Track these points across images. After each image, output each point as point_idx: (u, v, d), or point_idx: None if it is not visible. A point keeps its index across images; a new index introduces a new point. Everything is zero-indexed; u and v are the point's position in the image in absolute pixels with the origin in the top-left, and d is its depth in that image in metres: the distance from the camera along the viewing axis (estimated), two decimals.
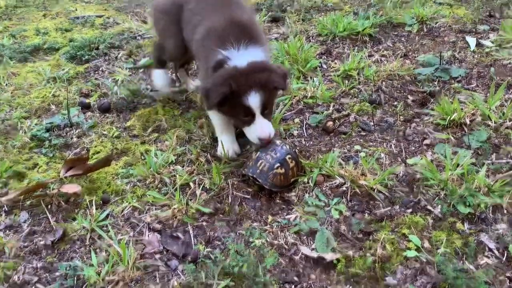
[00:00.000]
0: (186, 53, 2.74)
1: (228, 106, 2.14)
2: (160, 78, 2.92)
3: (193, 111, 2.85)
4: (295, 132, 2.62)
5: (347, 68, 3.13)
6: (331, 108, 2.80)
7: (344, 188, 2.18)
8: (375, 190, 2.16)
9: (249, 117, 2.16)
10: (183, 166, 2.40)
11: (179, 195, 2.17)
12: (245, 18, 2.32)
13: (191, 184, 2.27)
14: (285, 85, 2.20)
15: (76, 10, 4.68)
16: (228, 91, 2.09)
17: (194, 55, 2.54)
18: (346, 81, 3.04)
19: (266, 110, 2.19)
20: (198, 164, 2.40)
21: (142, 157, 2.49)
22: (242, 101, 2.11)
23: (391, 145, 2.49)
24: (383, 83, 3.02)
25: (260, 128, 2.19)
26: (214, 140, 2.57)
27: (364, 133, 2.59)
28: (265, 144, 2.20)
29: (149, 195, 2.21)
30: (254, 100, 2.12)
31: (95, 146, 2.58)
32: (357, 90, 2.96)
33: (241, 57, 2.15)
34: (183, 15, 2.54)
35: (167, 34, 2.73)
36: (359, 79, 3.06)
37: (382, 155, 2.40)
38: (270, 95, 2.17)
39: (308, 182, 2.24)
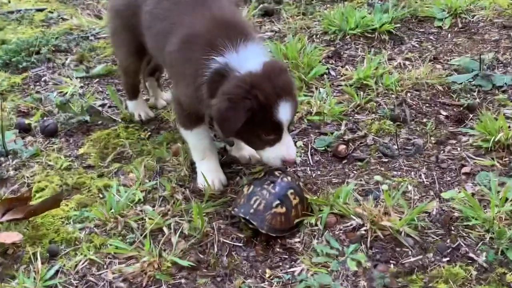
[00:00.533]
0: (140, 64, 2.86)
1: (249, 125, 2.17)
2: (138, 110, 3.02)
3: (165, 133, 2.91)
4: (298, 159, 2.68)
5: (361, 75, 3.23)
6: (342, 127, 2.87)
7: (363, 232, 2.24)
8: (402, 234, 2.22)
9: (275, 135, 2.22)
10: (154, 206, 2.44)
11: (150, 244, 2.20)
12: (228, 15, 2.38)
13: (165, 229, 2.31)
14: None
15: (10, 2, 4.74)
16: (255, 104, 2.13)
17: (168, 70, 2.61)
18: (361, 93, 3.13)
19: (291, 125, 2.29)
20: (174, 202, 2.44)
21: (100, 195, 2.52)
22: (270, 115, 2.16)
23: (420, 175, 2.56)
24: (408, 94, 3.12)
25: (287, 148, 2.24)
26: (194, 170, 2.62)
27: (386, 160, 2.67)
28: (289, 165, 2.29)
29: (111, 244, 2.24)
30: (284, 112, 2.17)
31: (39, 182, 2.61)
32: (375, 103, 3.05)
33: (245, 60, 2.19)
34: (140, 19, 2.58)
35: (118, 41, 2.83)
36: (377, 89, 3.15)
37: (410, 187, 2.47)
38: (297, 104, 2.27)
39: (316, 225, 2.29)
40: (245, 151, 2.61)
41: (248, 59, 2.19)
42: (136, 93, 3.02)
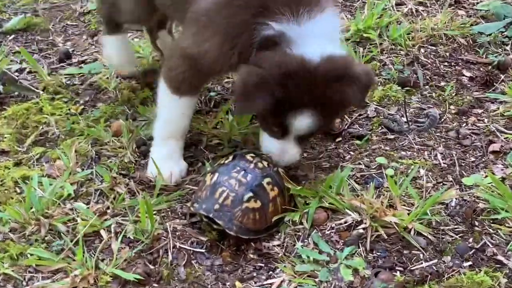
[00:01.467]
0: (154, 11, 2.77)
1: (271, 114, 2.26)
2: (114, 50, 2.99)
3: (103, 107, 2.90)
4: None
5: (361, 26, 3.23)
6: None
7: (361, 230, 2.25)
8: (412, 232, 2.24)
9: (282, 132, 2.33)
10: (88, 203, 2.43)
11: (83, 252, 2.19)
12: None
13: (103, 232, 2.30)
14: (363, 100, 2.39)
15: None
16: (282, 96, 2.18)
17: (186, 33, 2.50)
18: (361, 49, 3.13)
19: (310, 137, 2.44)
20: (114, 198, 2.44)
21: (17, 190, 2.51)
22: (283, 116, 2.26)
23: (436, 155, 2.59)
24: (422, 50, 3.13)
25: (278, 152, 2.37)
26: (142, 154, 2.63)
27: (391, 136, 2.69)
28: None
29: (31, 254, 2.23)
30: (299, 124, 2.26)
31: None
32: (378, 63, 3.06)
33: (306, 36, 2.21)
34: None
35: None
36: (381, 44, 3.16)
37: (422, 172, 2.49)
38: (328, 121, 2.38)
39: (301, 223, 2.30)
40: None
41: (310, 37, 2.21)
42: (120, 24, 2.95)
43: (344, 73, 2.22)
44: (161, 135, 2.54)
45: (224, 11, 2.29)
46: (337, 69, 2.22)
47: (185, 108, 2.49)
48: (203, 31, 2.34)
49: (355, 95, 2.23)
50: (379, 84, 2.93)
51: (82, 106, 2.93)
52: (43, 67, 3.15)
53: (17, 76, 3.13)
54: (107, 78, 3.07)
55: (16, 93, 3.02)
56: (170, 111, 2.50)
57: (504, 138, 2.63)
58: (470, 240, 2.24)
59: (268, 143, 2.39)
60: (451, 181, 2.47)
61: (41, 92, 3.01)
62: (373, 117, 2.78)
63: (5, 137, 2.76)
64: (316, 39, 2.22)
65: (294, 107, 2.23)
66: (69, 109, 2.91)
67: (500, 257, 2.18)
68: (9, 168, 2.60)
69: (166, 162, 2.50)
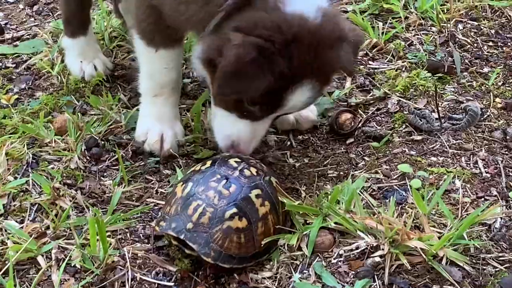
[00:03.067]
0: None
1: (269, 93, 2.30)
2: (79, 57, 3.02)
3: (43, 96, 2.91)
4: (272, 138, 2.72)
5: None
6: (347, 83, 2.92)
7: (378, 259, 2.25)
8: (444, 261, 2.24)
9: (259, 111, 2.38)
10: (22, 221, 2.43)
11: (14, 285, 2.18)
12: None
13: (41, 260, 2.29)
14: (352, 65, 2.43)
15: None
16: (285, 67, 2.23)
17: None
18: (380, 24, 3.16)
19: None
20: (57, 215, 2.44)
21: None
22: (279, 92, 2.29)
23: (476, 162, 2.60)
24: (459, 26, 3.15)
25: (248, 139, 2.42)
26: (93, 158, 2.64)
27: (419, 137, 2.70)
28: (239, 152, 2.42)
29: None
30: (298, 99, 2.33)
31: None
32: (403, 42, 3.08)
33: None
34: None
35: None
36: (407, 18, 3.18)
37: (458, 183, 2.50)
38: (321, 92, 2.45)
39: (299, 248, 2.31)
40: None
41: None
42: (86, 22, 3.03)
43: (339, 33, 2.32)
44: (147, 92, 2.65)
45: None
46: (335, 28, 2.31)
47: (166, 61, 2.57)
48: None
49: (348, 57, 2.33)
50: (404, 69, 2.94)
51: (16, 96, 2.94)
52: None
53: None
54: (50, 59, 3.07)
55: None
56: (150, 65, 2.61)
57: None
58: None
59: (233, 127, 2.40)
60: (495, 195, 2.48)
61: None
62: (395, 113, 2.79)
63: None
64: (303, 2, 2.29)
65: (295, 80, 2.27)
66: None
67: None
68: None
69: (155, 124, 2.60)
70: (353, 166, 2.61)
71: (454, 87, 2.89)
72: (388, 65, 2.99)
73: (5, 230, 2.39)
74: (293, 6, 2.25)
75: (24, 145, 2.70)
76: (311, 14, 2.26)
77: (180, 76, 2.70)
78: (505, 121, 2.75)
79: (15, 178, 2.58)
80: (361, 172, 2.57)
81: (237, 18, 2.26)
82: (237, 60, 2.21)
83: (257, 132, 2.42)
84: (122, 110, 2.81)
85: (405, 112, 2.78)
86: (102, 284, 2.25)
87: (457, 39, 3.08)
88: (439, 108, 2.77)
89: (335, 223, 2.34)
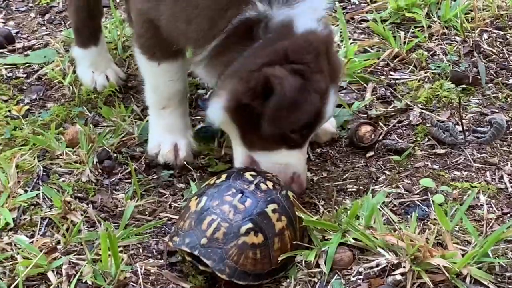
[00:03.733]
0: None
1: None
2: (90, 67, 3.03)
3: (55, 107, 2.92)
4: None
5: (402, 3, 3.27)
6: (368, 94, 2.92)
7: (399, 277, 2.25)
8: (467, 279, 2.23)
9: (301, 136, 2.43)
10: (32, 236, 2.44)
11: None
12: None
13: (51, 276, 2.30)
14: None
15: None
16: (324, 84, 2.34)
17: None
18: (402, 33, 3.16)
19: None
20: (67, 229, 2.44)
21: None
22: (321, 104, 2.38)
23: (501, 176, 2.59)
24: (484, 36, 3.15)
25: (302, 167, 2.48)
26: (105, 171, 2.65)
27: (442, 151, 2.70)
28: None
29: None
30: (331, 106, 2.43)
31: None
32: (425, 52, 3.08)
33: (298, 16, 2.34)
34: None
35: None
36: (430, 28, 3.18)
37: (482, 199, 2.50)
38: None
39: (317, 265, 2.30)
40: None
41: (300, 15, 2.35)
42: (97, 33, 3.05)
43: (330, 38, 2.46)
44: (154, 105, 2.67)
45: None
46: (331, 32, 2.48)
47: (170, 74, 2.59)
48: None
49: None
50: (426, 80, 2.94)
51: (27, 107, 2.96)
52: None
53: None
54: (62, 69, 3.08)
55: None
56: (155, 79, 2.63)
57: None
58: None
59: (286, 161, 2.44)
60: None
61: None
62: (417, 125, 2.79)
63: None
64: (306, 18, 2.36)
65: (328, 91, 2.37)
66: (9, 111, 2.94)
67: None
68: None
69: (167, 135, 2.63)
70: (373, 181, 2.61)
71: (478, 99, 2.89)
72: (410, 76, 2.99)
73: (15, 245, 2.40)
74: (302, 26, 2.33)
75: (34, 157, 2.71)
76: (317, 27, 2.36)
77: (187, 86, 2.71)
78: None
79: (25, 191, 2.59)
80: (381, 186, 2.57)
81: (259, 54, 2.30)
82: (289, 90, 2.25)
83: (304, 157, 2.49)
84: (135, 121, 2.82)
85: (427, 125, 2.78)
86: None
87: (482, 49, 3.09)
88: (463, 121, 2.77)
89: (355, 239, 2.33)
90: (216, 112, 2.38)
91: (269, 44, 2.29)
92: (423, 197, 2.52)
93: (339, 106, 2.83)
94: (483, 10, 3.24)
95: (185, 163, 2.65)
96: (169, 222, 2.49)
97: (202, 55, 2.39)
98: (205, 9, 2.31)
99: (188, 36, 2.41)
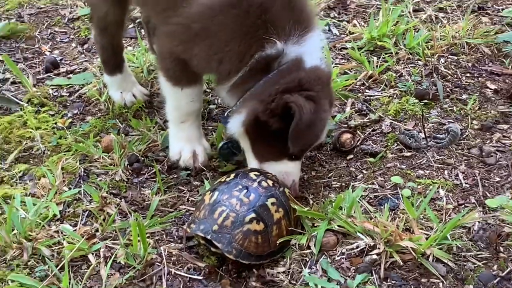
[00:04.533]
0: (125, 10, 2.88)
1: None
2: (119, 89, 3.02)
3: (93, 120, 2.92)
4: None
5: (375, 34, 3.26)
6: (348, 108, 2.91)
7: (375, 256, 2.25)
8: (430, 258, 2.23)
9: (302, 152, 2.51)
10: (75, 225, 2.44)
11: (69, 279, 2.20)
12: None
13: (91, 257, 2.31)
14: None
15: None
16: (328, 105, 2.44)
17: (171, 33, 2.55)
18: (375, 59, 3.16)
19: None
20: (104, 219, 2.44)
21: None
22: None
23: (457, 175, 2.59)
24: (442, 60, 3.14)
25: (298, 173, 2.51)
26: (134, 172, 2.65)
27: (408, 154, 2.69)
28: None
29: (13, 280, 2.23)
30: (328, 127, 2.57)
31: None
32: (394, 74, 3.08)
33: (304, 54, 2.39)
34: None
35: None
36: (397, 54, 3.18)
37: (442, 192, 2.49)
38: None
39: (308, 247, 2.30)
40: None
41: (308, 55, 2.40)
42: (121, 63, 3.03)
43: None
44: (174, 120, 2.66)
45: (220, 18, 2.36)
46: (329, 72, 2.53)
47: (191, 96, 2.58)
48: (194, 38, 2.41)
49: None
50: (395, 97, 2.95)
51: (70, 120, 2.95)
52: (28, 77, 3.17)
53: (0, 87, 3.14)
54: (98, 89, 3.08)
55: None
56: (177, 100, 2.61)
57: None
58: (495, 267, 2.24)
59: (291, 170, 2.47)
60: (473, 202, 2.47)
61: (26, 105, 3.03)
62: (388, 133, 2.78)
63: None
64: (311, 52, 2.42)
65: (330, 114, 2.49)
66: (55, 123, 2.93)
67: None
68: None
69: (186, 144, 2.63)
70: (353, 178, 2.60)
71: (437, 111, 2.88)
72: (381, 93, 2.99)
73: (61, 232, 2.40)
74: (310, 62, 2.39)
75: (76, 161, 2.70)
76: (321, 63, 2.43)
77: (202, 103, 2.70)
78: (481, 140, 2.74)
79: (69, 188, 2.59)
80: (359, 183, 2.56)
81: (276, 82, 2.34)
82: (307, 114, 2.27)
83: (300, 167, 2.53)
84: (159, 131, 2.82)
85: (396, 133, 2.78)
86: (143, 278, 2.25)
87: (440, 71, 3.08)
88: (425, 129, 2.77)
89: (338, 226, 2.34)
90: (235, 125, 2.41)
91: (283, 75, 2.34)
92: (394, 191, 2.51)
93: None
94: (440, 39, 3.24)
95: (201, 166, 2.65)
96: (187, 213, 2.49)
97: (227, 85, 2.42)
98: (235, 50, 2.33)
99: (218, 72, 2.42)
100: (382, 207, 2.42)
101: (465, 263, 2.25)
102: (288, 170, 2.45)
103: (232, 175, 2.38)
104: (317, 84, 2.34)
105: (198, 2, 2.37)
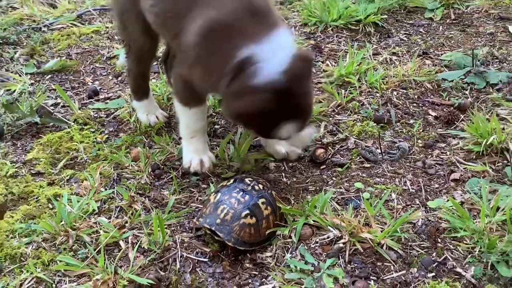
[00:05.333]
0: (156, 44, 2.87)
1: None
2: (145, 112, 3.01)
3: (124, 136, 2.92)
4: (272, 165, 2.72)
5: (343, 72, 3.27)
6: (321, 129, 2.92)
7: (341, 245, 2.26)
8: (384, 247, 2.25)
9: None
10: (109, 218, 2.44)
11: (104, 259, 2.21)
12: (261, 1, 2.34)
13: (122, 243, 2.31)
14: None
15: None
16: (268, 109, 2.20)
17: (177, 50, 2.57)
18: (343, 91, 3.17)
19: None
20: (132, 214, 2.45)
21: (50, 206, 2.52)
22: (275, 124, 2.28)
23: (405, 182, 2.60)
24: (394, 93, 3.16)
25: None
26: (156, 177, 2.65)
27: (368, 165, 2.70)
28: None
29: (60, 261, 2.24)
30: (286, 131, 2.29)
31: None
32: (358, 103, 3.09)
33: (273, 53, 2.20)
34: None
35: (128, 18, 2.76)
36: (360, 87, 3.20)
37: (393, 195, 2.50)
38: (307, 117, 2.36)
39: (290, 237, 2.31)
40: (281, 146, 2.71)
41: (275, 52, 2.21)
42: (147, 90, 3.01)
43: (305, 67, 2.29)
44: (185, 136, 2.65)
45: (207, 44, 2.30)
46: (300, 71, 2.25)
47: (197, 115, 2.58)
48: (191, 63, 2.38)
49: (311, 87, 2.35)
50: (358, 121, 2.96)
51: (107, 136, 2.95)
52: (74, 102, 3.19)
53: (52, 110, 3.16)
54: (128, 112, 3.09)
55: (51, 124, 3.04)
56: (187, 118, 2.60)
57: (463, 168, 2.65)
58: (434, 254, 2.25)
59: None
60: (418, 204, 2.48)
61: (72, 124, 3.03)
62: (353, 149, 2.79)
63: (41, 161, 2.78)
64: (280, 50, 2.23)
65: (280, 122, 2.28)
66: (95, 138, 2.93)
67: (459, 269, 2.18)
68: (43, 187, 2.62)
69: (195, 155, 2.63)
70: (325, 184, 2.60)
71: (391, 133, 2.90)
72: (348, 118, 2.99)
73: (99, 224, 2.40)
74: (270, 64, 2.19)
75: (111, 168, 2.71)
76: (283, 63, 2.21)
77: (206, 124, 2.69)
78: (424, 155, 2.75)
79: (105, 189, 2.60)
80: (330, 187, 2.57)
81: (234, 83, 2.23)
82: (239, 109, 2.23)
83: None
84: (175, 145, 2.82)
85: (359, 148, 2.78)
86: (161, 260, 2.26)
87: (393, 101, 3.10)
88: (381, 146, 2.78)
89: (313, 221, 2.35)
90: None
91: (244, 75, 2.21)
92: (356, 194, 2.52)
93: None
94: (393, 77, 3.26)
95: (207, 172, 2.65)
96: (197, 209, 2.48)
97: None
98: (221, 67, 2.23)
99: (212, 85, 2.34)
100: (347, 206, 2.43)
101: (411, 251, 2.26)
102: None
103: (232, 180, 2.38)
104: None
105: (188, 31, 2.32)
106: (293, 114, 2.25)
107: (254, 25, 2.25)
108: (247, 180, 2.36)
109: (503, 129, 2.78)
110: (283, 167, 2.70)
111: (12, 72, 3.51)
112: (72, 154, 2.82)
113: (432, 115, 3.01)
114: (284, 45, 2.27)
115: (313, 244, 2.29)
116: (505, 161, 2.65)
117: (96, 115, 3.13)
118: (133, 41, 2.84)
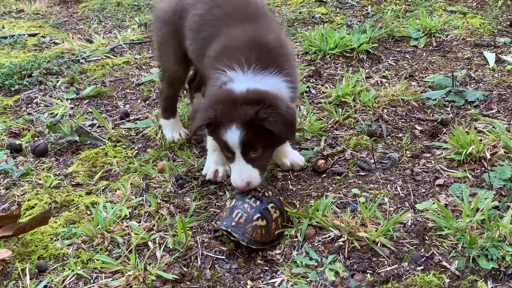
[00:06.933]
0: (187, 72, 2.93)
1: (214, 134, 2.30)
2: (170, 130, 3.01)
3: (151, 151, 2.93)
4: (279, 174, 2.71)
5: (340, 93, 3.27)
6: (322, 143, 2.91)
7: (341, 243, 2.25)
8: (378, 244, 2.24)
9: (230, 154, 2.32)
10: (139, 222, 2.45)
11: (135, 258, 2.21)
12: (270, 37, 2.39)
13: (150, 244, 2.32)
14: (288, 133, 2.24)
15: (3, 27, 4.77)
16: (213, 116, 2.23)
17: (205, 73, 2.64)
18: (340, 110, 3.17)
19: (253, 153, 2.29)
20: (159, 218, 2.45)
21: (88, 212, 2.53)
22: (221, 133, 2.26)
23: (396, 187, 2.59)
24: (385, 110, 3.15)
25: (235, 173, 2.32)
26: (179, 186, 2.65)
27: (363, 173, 2.69)
28: (241, 191, 2.33)
29: (97, 259, 2.25)
30: (232, 136, 2.24)
31: (29, 200, 2.62)
32: (353, 120, 3.09)
33: (245, 82, 2.26)
34: (186, 21, 2.62)
35: (166, 49, 2.81)
36: (355, 106, 3.19)
37: (386, 199, 2.49)
38: (258, 136, 2.24)
39: (296, 236, 2.31)
40: (287, 159, 2.70)
41: (247, 83, 2.26)
42: (175, 111, 3.03)
43: (260, 99, 2.21)
44: (209, 148, 2.62)
45: (216, 60, 2.39)
46: (255, 96, 2.23)
47: None
48: (209, 77, 2.46)
49: (270, 118, 2.18)
50: (354, 135, 2.96)
51: (136, 151, 2.96)
52: (108, 123, 3.21)
53: (90, 130, 3.18)
54: (155, 131, 3.11)
55: (89, 142, 3.06)
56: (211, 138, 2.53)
57: (446, 175, 2.63)
58: (422, 250, 2.24)
59: (231, 175, 2.36)
60: (407, 206, 2.47)
61: (107, 141, 3.05)
62: (349, 159, 2.78)
63: (80, 174, 2.79)
64: (253, 83, 2.26)
65: (224, 125, 2.23)
66: (127, 153, 2.94)
67: (444, 263, 2.17)
68: (82, 196, 2.63)
69: (212, 165, 2.61)
70: (326, 190, 2.59)
71: (382, 145, 2.89)
72: (345, 133, 2.99)
73: (130, 227, 2.41)
74: (234, 86, 2.29)
75: (140, 179, 2.72)
76: (241, 89, 2.26)
77: None
78: (412, 164, 2.74)
79: (135, 197, 2.60)
80: (330, 193, 2.56)
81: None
82: (194, 108, 2.43)
83: (239, 168, 2.33)
84: (196, 159, 2.82)
85: (355, 159, 2.78)
86: (184, 258, 2.26)
87: (384, 117, 3.10)
88: (374, 157, 2.77)
89: (316, 222, 2.35)
90: None
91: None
92: (354, 199, 2.51)
93: (305, 149, 2.85)
94: (384, 96, 3.26)
95: (222, 180, 2.64)
96: (215, 213, 2.48)
97: None
98: None
99: None
100: (346, 209, 2.42)
101: (402, 247, 2.25)
102: None
103: None
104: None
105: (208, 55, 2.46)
106: (238, 119, 2.22)
107: (249, 56, 2.28)
108: (258, 188, 2.36)
109: (481, 140, 2.77)
110: (289, 176, 2.70)
111: (55, 98, 3.54)
112: (107, 167, 2.83)
113: (418, 129, 3.00)
114: (265, 85, 2.27)
115: (316, 243, 2.28)
116: (483, 168, 2.64)
117: (127, 133, 3.15)
118: (167, 68, 2.89)
